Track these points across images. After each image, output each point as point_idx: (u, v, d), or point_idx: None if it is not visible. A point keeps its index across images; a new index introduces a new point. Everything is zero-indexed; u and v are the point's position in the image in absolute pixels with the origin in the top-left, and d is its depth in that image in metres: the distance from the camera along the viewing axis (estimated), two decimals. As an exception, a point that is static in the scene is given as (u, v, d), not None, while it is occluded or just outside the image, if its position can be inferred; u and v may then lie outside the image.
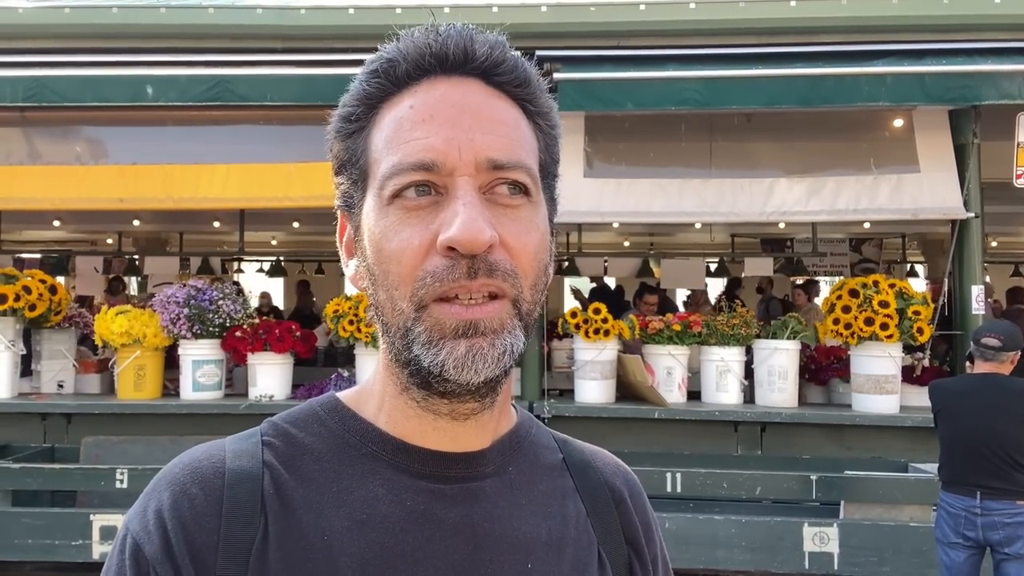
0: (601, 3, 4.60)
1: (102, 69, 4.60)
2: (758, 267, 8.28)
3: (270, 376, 4.78)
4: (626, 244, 10.93)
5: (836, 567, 4.06)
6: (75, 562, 4.24)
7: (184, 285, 4.87)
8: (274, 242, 11.51)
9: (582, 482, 0.80)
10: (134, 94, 4.57)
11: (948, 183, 4.65)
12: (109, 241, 10.62)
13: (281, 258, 11.67)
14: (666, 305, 7.89)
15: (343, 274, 0.80)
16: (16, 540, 4.21)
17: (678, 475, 4.19)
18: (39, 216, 8.22)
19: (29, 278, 4.88)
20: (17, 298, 4.72)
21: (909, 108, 4.69)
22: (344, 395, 0.77)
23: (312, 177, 4.64)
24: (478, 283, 0.64)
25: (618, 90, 4.48)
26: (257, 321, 4.91)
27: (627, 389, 4.89)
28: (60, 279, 9.32)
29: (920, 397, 4.86)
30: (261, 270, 12.03)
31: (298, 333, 4.86)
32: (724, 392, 4.76)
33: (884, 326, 4.41)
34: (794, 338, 4.73)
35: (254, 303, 9.89)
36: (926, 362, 4.98)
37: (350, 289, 5.81)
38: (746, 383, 4.81)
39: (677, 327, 4.78)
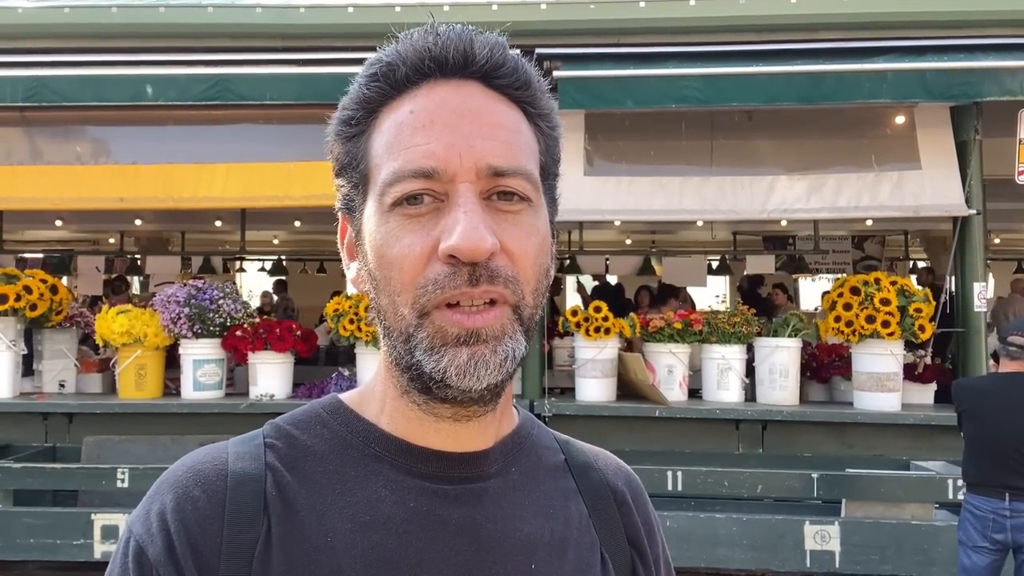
0: (601, 0, 4.59)
1: (102, 69, 4.60)
2: (760, 265, 8.25)
3: (271, 375, 4.78)
4: (628, 242, 10.91)
5: (838, 565, 4.05)
6: (77, 561, 4.25)
7: (184, 284, 4.87)
8: (276, 241, 11.52)
9: (584, 483, 0.80)
10: (134, 94, 4.57)
11: (950, 180, 4.63)
12: (111, 241, 10.63)
13: (283, 257, 11.68)
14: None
15: (343, 274, 0.80)
16: (18, 539, 4.22)
17: (679, 473, 4.18)
18: (41, 216, 8.23)
19: (30, 278, 4.88)
20: (18, 298, 4.73)
21: (910, 105, 4.68)
22: (346, 396, 0.77)
23: (312, 176, 4.64)
24: (480, 290, 0.64)
25: (618, 88, 4.47)
26: (257, 320, 4.90)
27: (628, 387, 4.88)
28: (63, 279, 9.36)
29: (922, 394, 4.86)
30: (263, 269, 12.04)
31: (299, 332, 4.86)
32: (725, 390, 4.75)
33: (886, 323, 4.40)
34: (795, 336, 4.72)
35: (255, 303, 9.95)
36: (928, 359, 4.97)
37: (350, 289, 5.82)
38: (747, 381, 4.80)
39: (678, 325, 4.77)
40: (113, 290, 8.56)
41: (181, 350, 4.83)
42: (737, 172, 4.83)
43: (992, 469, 3.42)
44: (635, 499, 0.83)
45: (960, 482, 4.07)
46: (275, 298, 10.17)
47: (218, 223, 9.16)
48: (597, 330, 4.67)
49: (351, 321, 4.67)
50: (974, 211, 4.58)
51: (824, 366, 5.11)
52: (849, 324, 4.49)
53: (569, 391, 5.03)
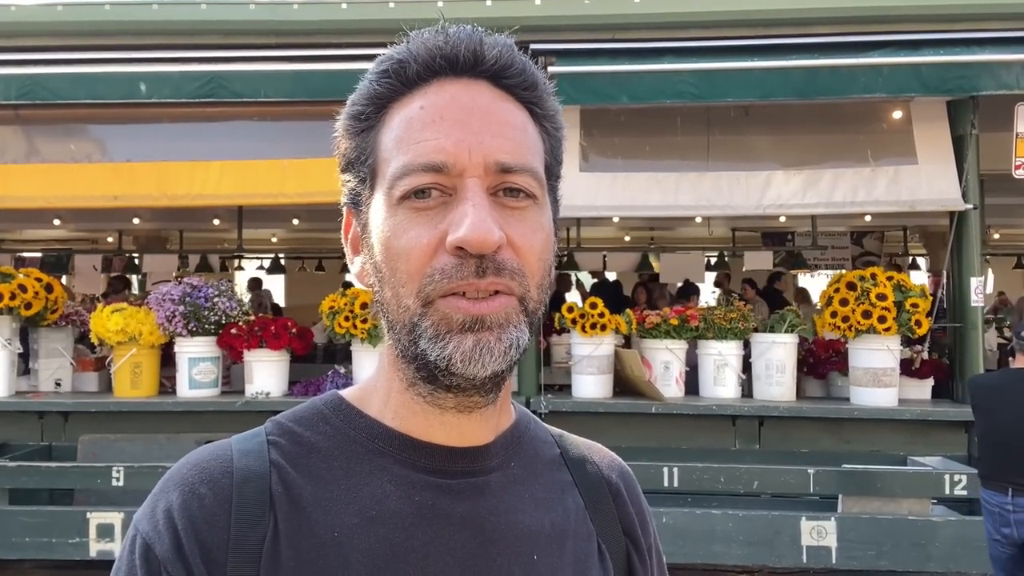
0: (596, -4, 4.58)
1: (95, 67, 4.59)
2: (758, 261, 8.24)
3: (266, 373, 4.77)
4: (627, 239, 10.91)
5: (834, 561, 4.04)
6: (72, 560, 4.24)
7: (180, 282, 4.86)
8: (274, 239, 11.51)
9: (580, 476, 0.82)
10: (127, 91, 4.56)
11: (946, 175, 4.61)
12: (110, 240, 10.64)
13: (281, 255, 11.67)
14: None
15: (342, 271, 0.80)
16: (14, 538, 4.21)
17: (675, 470, 4.18)
18: (39, 215, 8.22)
19: (25, 276, 4.87)
20: (13, 296, 4.72)
21: (906, 99, 4.66)
22: (347, 393, 0.78)
23: (307, 173, 4.63)
24: (486, 282, 0.65)
25: (613, 83, 4.46)
26: (253, 318, 4.89)
27: (625, 384, 4.87)
28: (62, 278, 9.37)
29: (919, 390, 4.85)
30: (262, 267, 12.04)
31: (294, 330, 4.85)
32: (722, 386, 4.74)
33: (882, 319, 4.39)
34: (792, 332, 4.71)
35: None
36: (925, 355, 4.95)
37: (357, 284, 5.81)
38: (744, 377, 4.79)
39: (674, 321, 4.76)
40: (113, 289, 8.56)
41: (176, 348, 4.82)
42: (733, 168, 4.81)
43: (998, 464, 3.48)
44: (629, 491, 0.85)
45: (957, 477, 4.08)
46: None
47: (216, 221, 9.16)
48: (593, 326, 4.66)
49: (346, 318, 4.66)
50: (971, 206, 4.57)
51: (821, 362, 5.10)
52: (845, 319, 4.48)
53: (567, 388, 5.02)
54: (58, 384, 5.15)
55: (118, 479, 4.27)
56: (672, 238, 10.89)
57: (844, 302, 4.51)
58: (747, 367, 4.81)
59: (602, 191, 4.75)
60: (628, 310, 4.92)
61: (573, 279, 9.36)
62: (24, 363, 5.31)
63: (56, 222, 9.08)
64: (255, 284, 10.43)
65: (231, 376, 5.33)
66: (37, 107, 4.74)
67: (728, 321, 4.71)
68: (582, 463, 0.83)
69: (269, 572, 0.66)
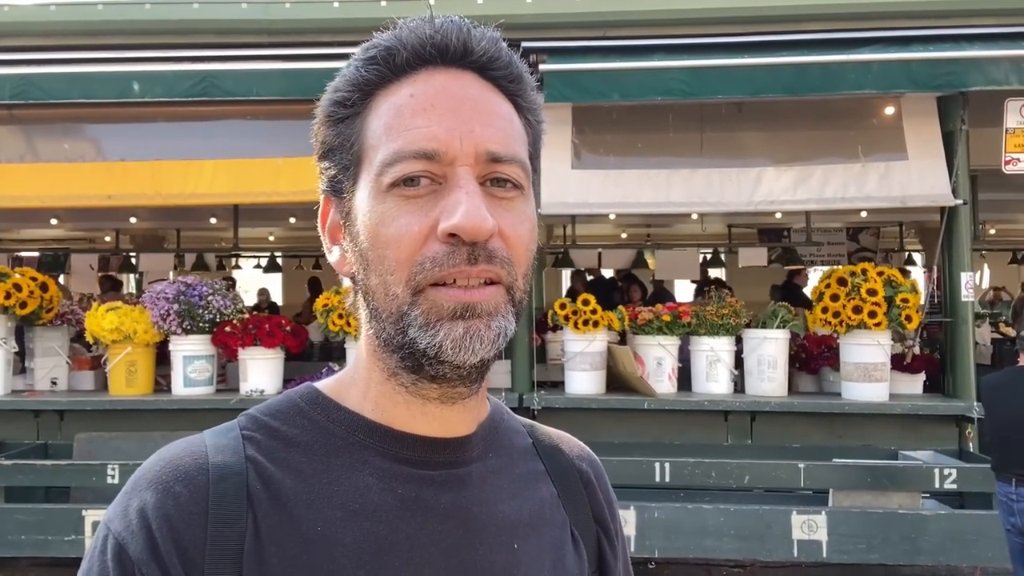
0: (586, -7, 4.59)
1: (89, 66, 4.60)
2: (752, 257, 8.26)
3: (261, 371, 4.79)
4: (623, 236, 10.92)
5: (825, 555, 4.06)
6: (68, 557, 4.27)
7: (174, 281, 4.88)
8: (271, 238, 11.53)
9: (552, 465, 0.83)
10: (121, 91, 4.57)
11: (936, 170, 4.63)
12: (107, 239, 10.65)
13: (278, 254, 11.69)
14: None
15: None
16: (10, 536, 4.23)
17: (667, 465, 4.20)
18: (36, 214, 8.24)
19: (20, 276, 4.89)
20: (8, 296, 4.74)
21: (896, 95, 4.67)
22: (323, 386, 0.77)
23: (300, 171, 4.64)
24: (478, 269, 0.66)
25: (604, 81, 4.48)
26: (247, 316, 4.91)
27: (617, 380, 4.89)
28: (60, 277, 9.39)
29: (910, 384, 4.88)
30: (259, 266, 12.06)
31: (288, 328, 4.87)
32: (714, 382, 4.76)
33: (872, 314, 4.41)
34: (783, 327, 4.73)
35: (251, 300, 9.97)
36: (917, 349, 4.98)
37: (347, 285, 5.80)
38: (736, 373, 4.81)
39: (667, 317, 4.78)
40: (103, 288, 8.58)
41: (171, 346, 4.84)
42: (725, 164, 4.83)
43: (1003, 456, 3.67)
44: (598, 479, 0.87)
45: (947, 471, 4.11)
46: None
47: (213, 220, 9.17)
48: (585, 323, 4.68)
49: (340, 316, 4.68)
50: (960, 201, 4.58)
51: (813, 357, 5.12)
52: (836, 315, 4.50)
53: (562, 384, 5.04)
54: (54, 383, 5.17)
55: (113, 477, 4.29)
56: (669, 235, 10.90)
57: (835, 297, 4.53)
58: (739, 363, 4.84)
59: (594, 188, 4.76)
60: (620, 306, 4.94)
61: (569, 277, 9.36)
62: (21, 362, 5.33)
63: (53, 221, 9.10)
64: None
65: (227, 374, 5.36)
66: (31, 107, 4.76)
67: (720, 317, 4.74)
68: (553, 452, 0.84)
69: (252, 572, 0.64)
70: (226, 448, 0.70)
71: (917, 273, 11.00)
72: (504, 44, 0.72)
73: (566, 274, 10.94)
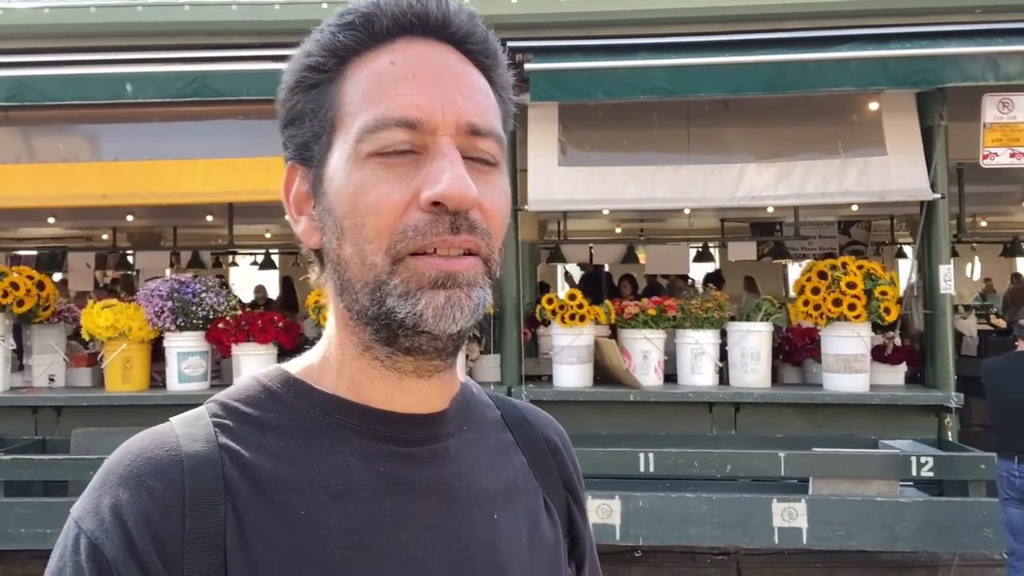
0: (571, -7, 4.67)
1: (82, 68, 4.68)
2: (742, 251, 8.35)
3: (254, 366, 4.84)
4: (618, 231, 11.01)
5: (805, 541, 4.16)
6: (66, 550, 4.36)
7: (168, 279, 4.96)
8: (268, 235, 11.61)
9: (520, 436, 0.84)
10: (114, 92, 4.65)
11: (915, 165, 4.71)
12: (104, 237, 10.74)
13: (274, 251, 11.76)
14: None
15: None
16: (9, 529, 4.33)
17: (651, 455, 4.29)
18: (33, 213, 8.32)
19: (16, 274, 4.98)
20: (5, 294, 4.83)
21: (876, 92, 4.75)
22: (292, 367, 0.76)
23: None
24: (460, 239, 0.66)
25: (588, 80, 4.56)
26: (240, 313, 5.00)
27: (604, 373, 4.98)
28: (57, 275, 9.48)
29: (892, 375, 4.97)
30: (255, 263, 12.14)
31: (280, 324, 4.95)
32: (699, 374, 4.85)
33: (852, 306, 4.50)
34: (767, 320, 4.82)
35: (248, 296, 10.06)
36: (897, 340, 5.06)
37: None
38: (721, 365, 4.90)
39: (652, 311, 4.87)
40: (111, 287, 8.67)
41: (166, 343, 4.93)
42: (708, 160, 4.91)
43: (1004, 435, 4.10)
44: (565, 447, 0.89)
45: (923, 459, 4.20)
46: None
47: (209, 218, 9.26)
48: (572, 317, 4.77)
49: (331, 312, 4.76)
50: (939, 195, 4.67)
51: (797, 349, 5.22)
52: (817, 307, 4.59)
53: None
54: (52, 379, 5.26)
55: (110, 471, 4.37)
56: (663, 229, 10.99)
57: (816, 290, 4.62)
58: (724, 355, 4.93)
59: (580, 184, 4.84)
60: (607, 301, 5.03)
61: (563, 272, 9.45)
62: (19, 359, 5.42)
63: (51, 220, 9.18)
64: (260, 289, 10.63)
65: (221, 370, 5.44)
66: (26, 108, 4.84)
67: (705, 311, 4.83)
68: (521, 423, 0.86)
69: (238, 561, 0.63)
70: (198, 437, 0.68)
71: (908, 266, 11.09)
72: (479, 20, 0.72)
73: (560, 269, 11.05)
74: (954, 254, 11.89)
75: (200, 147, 4.91)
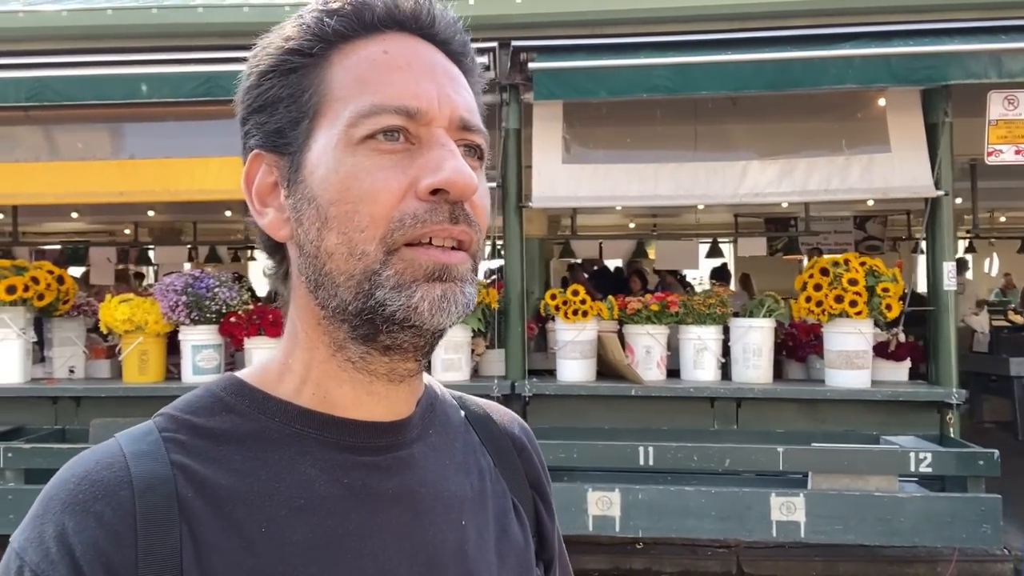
0: (574, -8, 4.72)
1: (99, 69, 4.80)
2: (752, 247, 8.36)
3: (263, 359, 4.99)
4: (631, 226, 11.06)
5: (803, 535, 4.21)
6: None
7: (182, 274, 5.10)
8: (285, 230, 11.76)
9: (485, 436, 0.83)
10: (130, 92, 4.77)
11: (919, 162, 4.72)
12: (127, 232, 10.97)
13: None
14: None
15: None
16: (29, 515, 4.48)
17: (650, 449, 4.36)
18: (56, 209, 8.54)
19: (37, 269, 5.14)
20: (26, 288, 4.99)
21: (880, 89, 4.76)
22: (247, 375, 0.73)
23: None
24: (459, 228, 0.65)
25: (591, 78, 4.61)
26: (251, 307, 5.12)
27: (607, 367, 5.05)
28: (80, 269, 9.71)
29: (896, 372, 4.99)
30: (272, 257, 12.29)
31: (291, 318, 5.06)
32: (701, 369, 4.90)
33: (853, 303, 4.53)
34: (769, 316, 4.86)
35: (264, 290, 10.21)
36: (901, 337, 5.08)
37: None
38: (723, 360, 4.95)
39: (655, 307, 4.93)
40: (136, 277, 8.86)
41: (181, 336, 5.07)
42: (712, 158, 4.95)
43: None
44: (531, 444, 0.87)
45: (922, 455, 4.23)
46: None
47: (228, 213, 9.45)
48: (575, 312, 4.84)
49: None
50: (942, 192, 4.68)
51: (802, 345, 5.25)
52: (819, 304, 4.63)
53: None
54: (72, 371, 5.43)
55: (126, 459, 4.52)
56: (677, 224, 11.02)
57: (818, 287, 4.65)
58: (727, 351, 4.97)
59: (584, 182, 4.91)
60: (611, 296, 5.09)
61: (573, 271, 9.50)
62: (40, 351, 5.60)
63: (74, 215, 9.42)
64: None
65: (235, 362, 5.58)
66: (45, 107, 4.98)
67: (707, 307, 4.88)
68: (485, 422, 0.85)
69: None
70: (147, 454, 0.64)
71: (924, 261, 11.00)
72: (460, 25, 0.73)
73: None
74: (972, 250, 11.85)
75: (213, 145, 5.02)
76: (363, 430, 0.70)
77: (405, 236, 0.63)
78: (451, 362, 4.76)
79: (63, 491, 0.62)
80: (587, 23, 4.76)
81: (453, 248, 0.66)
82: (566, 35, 4.76)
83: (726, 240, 10.81)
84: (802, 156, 4.85)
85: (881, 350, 4.92)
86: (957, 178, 7.13)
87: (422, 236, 0.64)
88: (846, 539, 4.19)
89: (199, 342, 5.05)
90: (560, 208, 7.23)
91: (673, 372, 5.07)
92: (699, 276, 7.58)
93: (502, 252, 5.38)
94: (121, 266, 9.59)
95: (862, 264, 4.66)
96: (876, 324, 4.73)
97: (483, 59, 4.34)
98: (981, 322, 7.58)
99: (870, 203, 8.46)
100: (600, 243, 9.42)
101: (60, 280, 5.23)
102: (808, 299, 4.68)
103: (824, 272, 4.66)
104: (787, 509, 4.21)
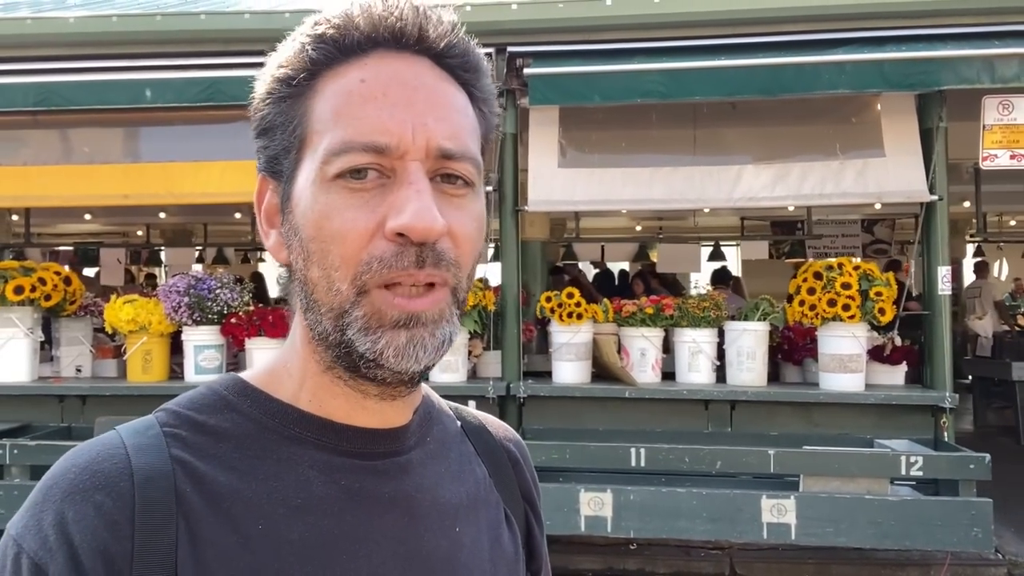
0: (570, -1, 4.78)
1: (104, 74, 4.91)
2: (754, 251, 8.37)
3: (266, 360, 5.07)
4: (638, 228, 11.08)
5: (793, 537, 4.23)
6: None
7: (185, 275, 5.20)
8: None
9: (481, 446, 0.84)
10: (134, 97, 4.87)
11: (913, 166, 4.74)
12: (139, 233, 11.13)
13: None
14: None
15: None
16: (34, 511, 4.58)
17: (642, 451, 4.39)
18: (69, 211, 8.68)
19: (44, 270, 5.25)
20: (33, 289, 5.10)
21: (874, 94, 4.79)
22: (250, 376, 0.74)
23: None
24: (425, 273, 0.64)
25: (586, 84, 4.66)
26: (252, 309, 5.21)
27: (602, 369, 5.09)
28: (93, 270, 9.86)
29: (891, 375, 5.00)
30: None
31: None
32: (696, 372, 4.93)
33: (846, 307, 4.55)
34: (764, 320, 4.89)
35: (274, 292, 10.33)
36: (898, 340, 5.09)
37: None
38: (718, 363, 4.98)
39: (650, 310, 4.97)
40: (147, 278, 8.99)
41: (183, 336, 5.16)
42: (706, 162, 4.99)
43: None
44: (524, 458, 0.89)
45: (913, 459, 4.25)
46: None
47: (237, 215, 9.57)
48: (570, 315, 4.89)
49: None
50: (936, 197, 4.69)
51: (798, 348, 5.27)
52: (812, 308, 4.65)
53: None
54: (79, 370, 5.54)
55: (128, 457, 4.61)
56: (683, 227, 11.03)
57: (811, 291, 4.68)
58: (722, 354, 5.00)
59: (579, 186, 4.96)
60: (605, 299, 5.14)
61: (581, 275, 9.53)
62: (49, 350, 5.72)
63: (87, 217, 9.57)
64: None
65: (238, 362, 5.67)
66: (53, 112, 5.10)
67: (702, 310, 4.91)
68: (481, 433, 0.86)
69: None
70: (148, 448, 0.65)
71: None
72: (462, 30, 0.69)
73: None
74: (980, 254, 11.79)
75: (216, 149, 5.12)
76: (361, 436, 0.71)
77: (374, 280, 0.63)
78: (448, 363, 4.82)
79: (64, 480, 0.63)
80: (582, 29, 4.81)
81: (428, 286, 0.65)
82: (561, 41, 4.82)
83: (731, 243, 10.80)
84: (797, 160, 4.88)
85: (877, 354, 4.93)
86: (963, 182, 7.16)
87: (391, 279, 0.63)
88: (837, 541, 4.21)
89: (201, 342, 5.15)
90: (560, 211, 7.28)
91: (669, 375, 5.11)
92: (696, 280, 7.61)
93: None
94: (134, 267, 9.73)
95: (855, 268, 4.68)
96: (873, 327, 4.75)
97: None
98: (984, 326, 7.56)
99: (877, 206, 8.43)
100: (602, 246, 9.44)
101: (67, 281, 5.34)
102: (802, 303, 4.70)
103: (817, 276, 4.68)
104: (778, 511, 4.24)
